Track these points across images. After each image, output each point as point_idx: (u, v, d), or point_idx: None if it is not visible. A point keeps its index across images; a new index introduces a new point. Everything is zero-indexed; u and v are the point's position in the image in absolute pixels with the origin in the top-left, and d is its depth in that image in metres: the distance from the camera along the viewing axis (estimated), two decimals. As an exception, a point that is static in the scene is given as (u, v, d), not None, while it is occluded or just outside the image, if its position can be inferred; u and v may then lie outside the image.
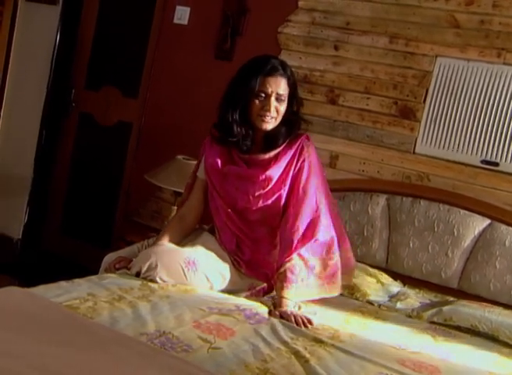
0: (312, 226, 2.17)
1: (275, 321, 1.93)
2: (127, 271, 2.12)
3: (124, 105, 3.79)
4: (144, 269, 2.07)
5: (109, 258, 2.28)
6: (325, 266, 2.20)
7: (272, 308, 2.08)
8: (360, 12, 3.00)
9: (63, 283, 1.90)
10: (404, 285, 2.74)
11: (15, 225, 3.95)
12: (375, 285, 2.57)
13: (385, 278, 2.69)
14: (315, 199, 2.20)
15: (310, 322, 1.97)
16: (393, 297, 2.54)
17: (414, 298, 2.55)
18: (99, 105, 3.86)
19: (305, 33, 3.13)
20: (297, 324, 1.93)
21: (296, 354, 1.67)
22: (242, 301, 2.10)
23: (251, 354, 1.62)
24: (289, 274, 2.11)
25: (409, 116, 2.90)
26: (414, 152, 2.90)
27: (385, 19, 2.94)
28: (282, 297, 2.09)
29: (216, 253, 2.22)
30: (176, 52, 3.53)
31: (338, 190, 2.95)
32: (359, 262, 2.78)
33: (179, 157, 3.17)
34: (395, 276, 2.77)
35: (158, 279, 2.06)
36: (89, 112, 3.91)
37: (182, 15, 3.49)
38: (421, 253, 2.75)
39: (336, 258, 2.22)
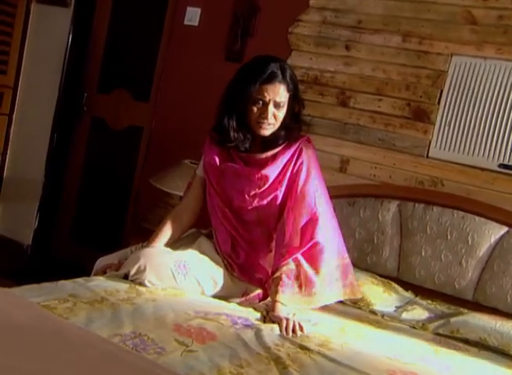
0: (310, 228, 2.16)
1: (264, 327, 1.92)
2: (115, 273, 2.14)
3: (135, 108, 3.85)
4: (133, 271, 2.09)
5: (101, 261, 2.31)
6: (325, 271, 2.17)
7: (265, 313, 2.07)
8: (372, 9, 2.98)
9: (46, 284, 1.94)
10: (416, 296, 2.69)
11: (25, 231, 4.02)
12: (382, 295, 2.53)
13: (395, 288, 2.65)
14: (314, 202, 2.18)
15: (301, 329, 1.96)
16: (400, 307, 2.50)
17: (424, 309, 2.50)
18: (110, 108, 3.92)
19: (316, 32, 3.13)
20: (286, 329, 1.92)
21: (277, 360, 1.65)
22: (233, 306, 2.10)
23: (227, 358, 1.61)
24: (285, 278, 2.11)
25: (422, 118, 2.86)
26: (427, 156, 2.85)
27: (398, 16, 2.92)
28: (276, 301, 2.08)
29: (210, 257, 2.23)
30: (186, 55, 3.57)
31: (347, 195, 2.94)
32: (368, 271, 2.77)
33: (186, 161, 3.20)
34: (406, 286, 2.73)
35: (146, 282, 2.08)
36: (101, 116, 3.98)
37: (192, 16, 3.53)
38: (434, 262, 2.70)
39: (336, 263, 2.20)
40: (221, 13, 3.43)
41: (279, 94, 2.12)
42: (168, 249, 2.23)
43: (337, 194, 2.94)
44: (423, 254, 2.72)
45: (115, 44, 3.95)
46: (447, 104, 2.82)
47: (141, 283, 2.08)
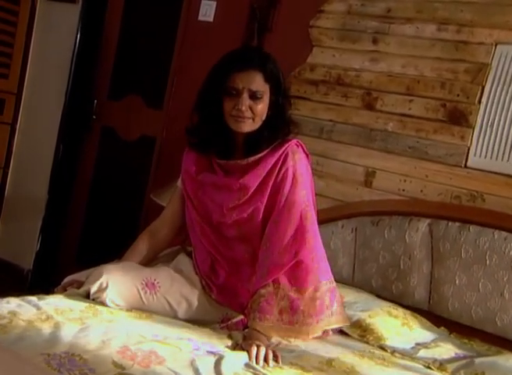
0: (295, 245, 2.10)
1: (229, 354, 1.88)
2: (76, 291, 2.17)
3: (147, 117, 3.92)
4: (94, 289, 2.10)
5: (67, 279, 2.35)
6: (311, 295, 2.11)
7: (240, 342, 2.02)
8: (403, -5, 2.96)
9: (-10, 301, 1.98)
10: (450, 333, 2.58)
11: (26, 254, 4.14)
12: (399, 328, 2.43)
13: (421, 322, 2.56)
14: (300, 215, 2.13)
15: (276, 358, 1.91)
16: (421, 344, 2.39)
17: (451, 348, 2.39)
18: (121, 117, 4.02)
19: (340, 25, 3.13)
20: (257, 357, 1.87)
21: (226, 390, 1.62)
22: (206, 331, 2.07)
23: (165, 385, 1.59)
24: (263, 303, 2.06)
25: (460, 120, 2.79)
26: (465, 166, 2.78)
27: (433, 1, 2.88)
28: (253, 329, 2.04)
29: (185, 276, 2.22)
30: (200, 55, 3.61)
31: (372, 213, 2.90)
32: (393, 301, 2.69)
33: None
34: (439, 320, 2.64)
35: (108, 301, 2.08)
36: (111, 125, 4.07)
37: (207, 10, 3.60)
38: (470, 293, 2.60)
39: (326, 287, 2.13)
40: (237, 6, 3.47)
41: (253, 82, 2.11)
42: (138, 265, 2.24)
43: (359, 212, 2.92)
44: (457, 282, 2.63)
45: (128, 44, 4.06)
46: (489, 103, 2.75)
47: (103, 303, 2.09)
